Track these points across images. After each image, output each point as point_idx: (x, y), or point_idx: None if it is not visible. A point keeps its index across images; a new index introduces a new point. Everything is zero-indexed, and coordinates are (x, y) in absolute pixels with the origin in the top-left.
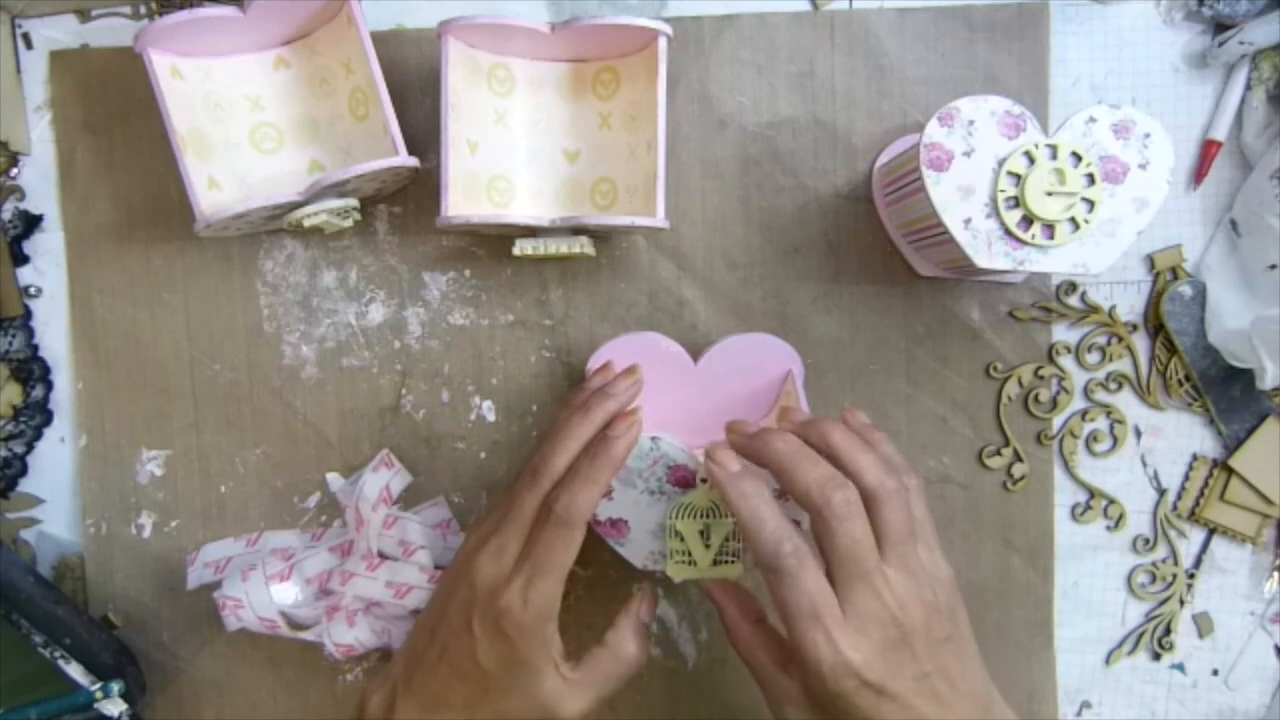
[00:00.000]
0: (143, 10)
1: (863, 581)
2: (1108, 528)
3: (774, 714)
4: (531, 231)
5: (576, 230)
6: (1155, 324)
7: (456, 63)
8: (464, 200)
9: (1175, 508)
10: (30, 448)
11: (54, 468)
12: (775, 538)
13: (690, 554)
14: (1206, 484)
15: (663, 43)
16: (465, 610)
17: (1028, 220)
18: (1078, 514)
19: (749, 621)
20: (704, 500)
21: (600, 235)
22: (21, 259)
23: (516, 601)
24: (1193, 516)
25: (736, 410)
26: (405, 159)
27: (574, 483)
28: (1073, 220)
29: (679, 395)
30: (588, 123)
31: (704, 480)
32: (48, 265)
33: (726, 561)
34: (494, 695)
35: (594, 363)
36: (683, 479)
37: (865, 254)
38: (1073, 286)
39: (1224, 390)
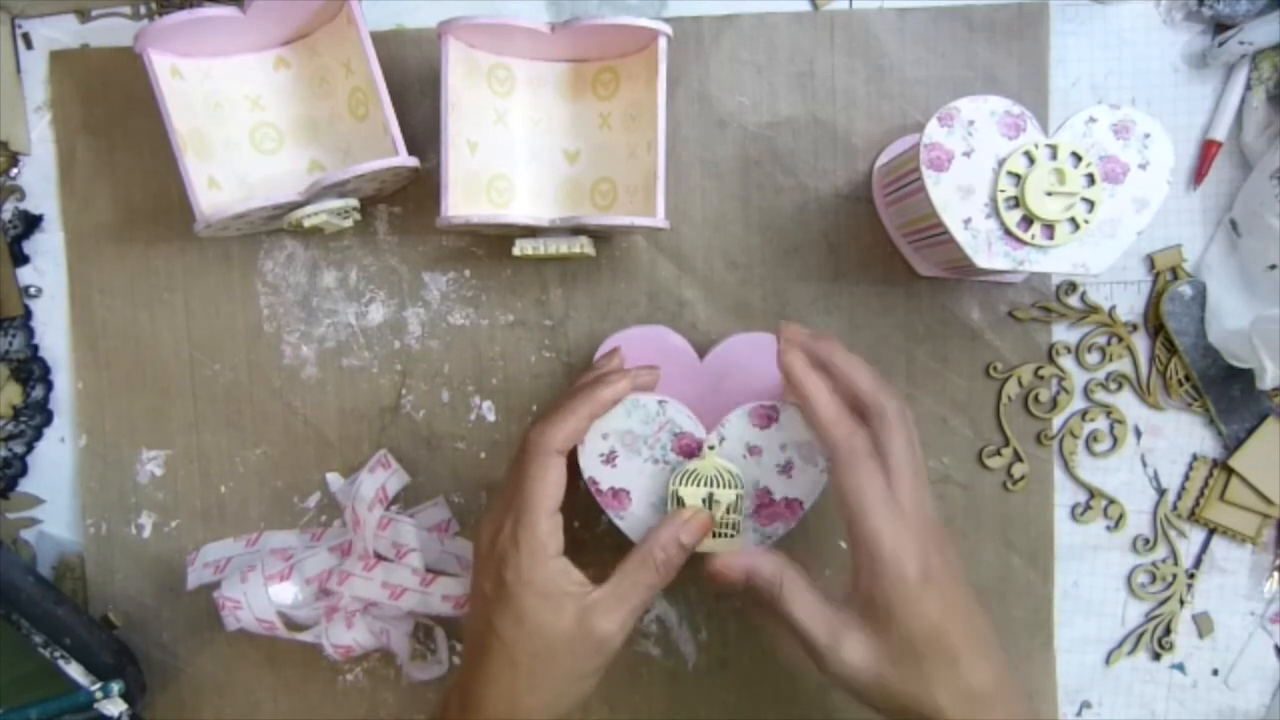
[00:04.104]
0: (143, 10)
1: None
2: (1108, 528)
3: (826, 656)
4: (531, 231)
5: (576, 230)
6: (1155, 324)
7: (456, 63)
8: (464, 200)
9: (1175, 508)
10: (30, 448)
11: (54, 468)
12: (847, 432)
13: None
14: (1206, 484)
15: (663, 43)
16: (476, 579)
17: (1028, 220)
18: (1078, 514)
19: (800, 575)
20: (709, 468)
21: (600, 235)
22: (21, 259)
23: (509, 545)
24: (1193, 516)
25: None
26: (405, 159)
27: (552, 413)
28: (1073, 220)
29: (684, 390)
30: (588, 123)
31: (711, 447)
32: (48, 265)
33: (726, 535)
34: (524, 674)
35: (601, 352)
36: (688, 448)
37: (865, 254)
38: (1073, 286)
39: (1224, 390)
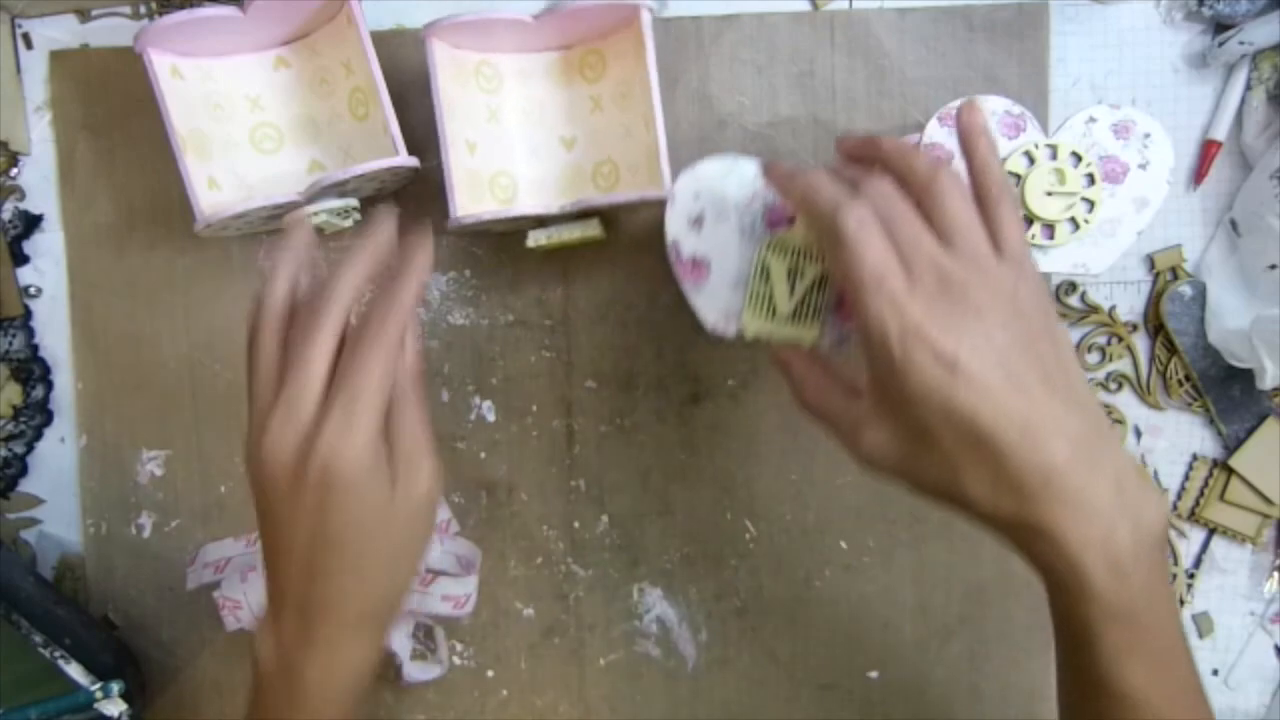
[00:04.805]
0: (143, 10)
1: (917, 255)
2: None
3: (853, 452)
4: (541, 222)
5: (585, 214)
6: (1155, 324)
7: (444, 65)
8: (469, 200)
9: (1175, 508)
10: (30, 448)
11: (54, 468)
12: (833, 202)
13: (773, 299)
14: (1206, 484)
15: (645, 16)
16: (276, 495)
17: (1028, 220)
18: None
19: (816, 367)
20: (798, 237)
21: (609, 218)
22: (21, 259)
23: (341, 442)
24: (1193, 516)
25: None
26: (405, 159)
27: (382, 293)
28: (1073, 220)
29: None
30: (579, 107)
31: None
32: (48, 265)
33: (805, 318)
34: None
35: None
36: (779, 221)
37: None
38: (1073, 286)
39: (1224, 390)
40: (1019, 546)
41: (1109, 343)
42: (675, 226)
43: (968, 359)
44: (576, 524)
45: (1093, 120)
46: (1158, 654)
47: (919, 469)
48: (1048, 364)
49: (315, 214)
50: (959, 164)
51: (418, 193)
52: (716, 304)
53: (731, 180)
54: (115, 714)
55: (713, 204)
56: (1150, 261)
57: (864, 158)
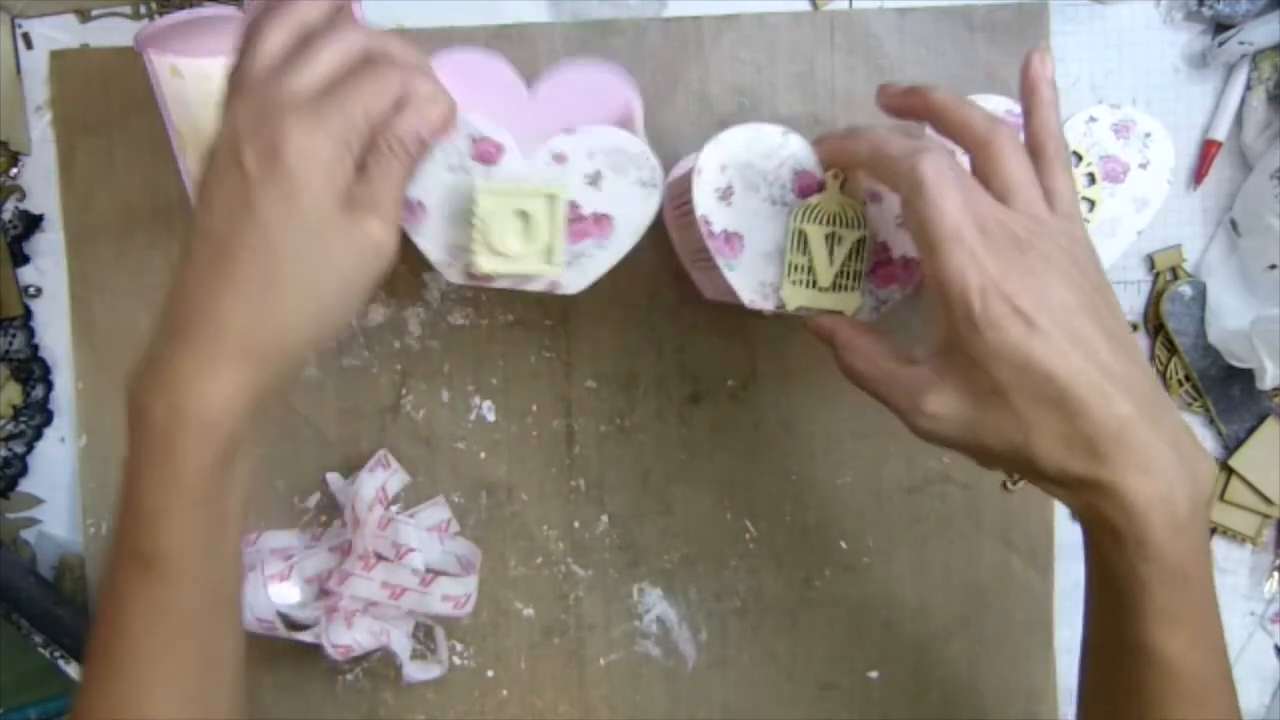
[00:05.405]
0: (143, 10)
1: (980, 213)
2: None
3: (912, 418)
4: None
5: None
6: (1155, 324)
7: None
8: None
9: None
10: (30, 448)
11: (54, 468)
12: (909, 151)
13: (812, 269)
14: None
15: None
16: (216, 167)
17: None
18: None
19: (865, 333)
20: (832, 203)
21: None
22: (21, 259)
23: (298, 127)
24: None
25: None
26: None
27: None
28: None
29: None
30: None
31: (837, 178)
32: (48, 265)
33: (846, 287)
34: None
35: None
36: (808, 188)
37: None
38: None
39: (1224, 390)
40: (1081, 506)
41: None
42: (704, 201)
43: (1044, 315)
44: (576, 524)
45: (1093, 120)
46: (1199, 617)
47: (985, 432)
48: (1107, 321)
49: None
50: (961, 160)
51: None
52: (751, 280)
53: (757, 148)
54: None
55: (740, 174)
56: (1150, 261)
57: (906, 110)
